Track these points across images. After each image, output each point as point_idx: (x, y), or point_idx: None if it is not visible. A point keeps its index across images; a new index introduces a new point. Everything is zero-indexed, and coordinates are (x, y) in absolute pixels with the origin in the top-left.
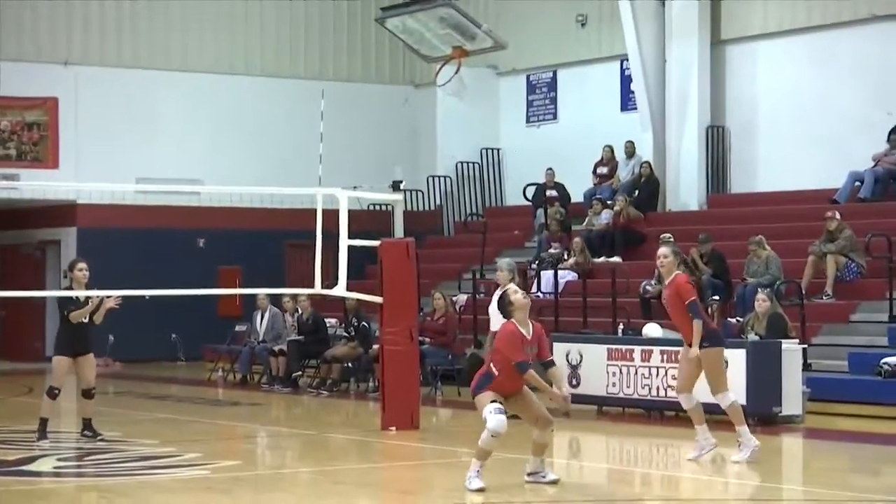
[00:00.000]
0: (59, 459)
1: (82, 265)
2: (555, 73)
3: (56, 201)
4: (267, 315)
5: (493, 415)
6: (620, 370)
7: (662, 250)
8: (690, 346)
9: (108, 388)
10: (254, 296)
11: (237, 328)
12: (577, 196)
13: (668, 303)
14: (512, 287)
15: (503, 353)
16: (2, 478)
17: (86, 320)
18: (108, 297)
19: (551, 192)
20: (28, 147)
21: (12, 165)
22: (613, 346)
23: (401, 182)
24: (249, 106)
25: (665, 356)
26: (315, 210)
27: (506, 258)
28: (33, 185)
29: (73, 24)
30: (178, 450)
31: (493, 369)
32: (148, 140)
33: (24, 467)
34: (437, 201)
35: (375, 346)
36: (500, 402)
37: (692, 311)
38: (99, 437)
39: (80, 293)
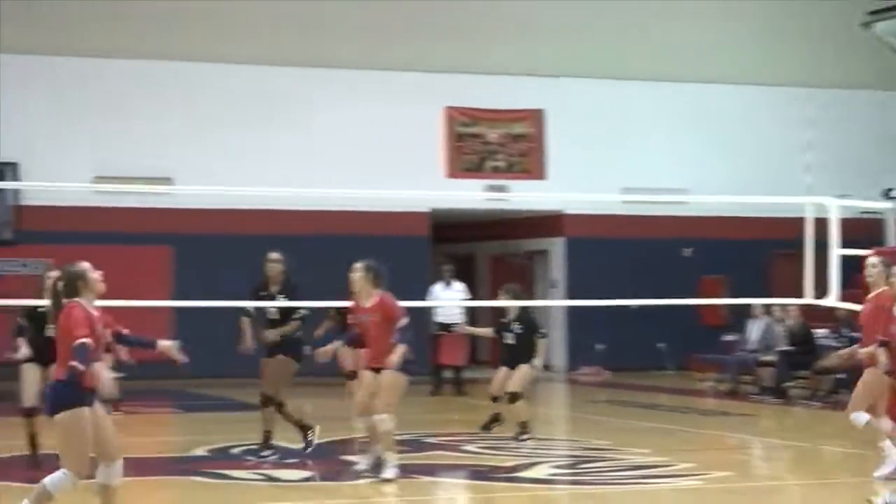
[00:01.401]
0: (553, 466)
1: None
2: None
3: (543, 212)
4: (760, 325)
5: None
6: None
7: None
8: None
9: (598, 397)
10: (737, 305)
11: (726, 337)
12: None
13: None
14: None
15: None
16: (498, 483)
17: None
18: None
19: None
20: (516, 159)
21: (501, 177)
22: None
23: (891, 190)
24: (734, 114)
25: None
26: (800, 218)
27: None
28: (521, 196)
29: (564, 34)
30: (670, 459)
31: None
32: (633, 150)
33: (520, 474)
34: None
35: None
36: None
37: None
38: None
39: None
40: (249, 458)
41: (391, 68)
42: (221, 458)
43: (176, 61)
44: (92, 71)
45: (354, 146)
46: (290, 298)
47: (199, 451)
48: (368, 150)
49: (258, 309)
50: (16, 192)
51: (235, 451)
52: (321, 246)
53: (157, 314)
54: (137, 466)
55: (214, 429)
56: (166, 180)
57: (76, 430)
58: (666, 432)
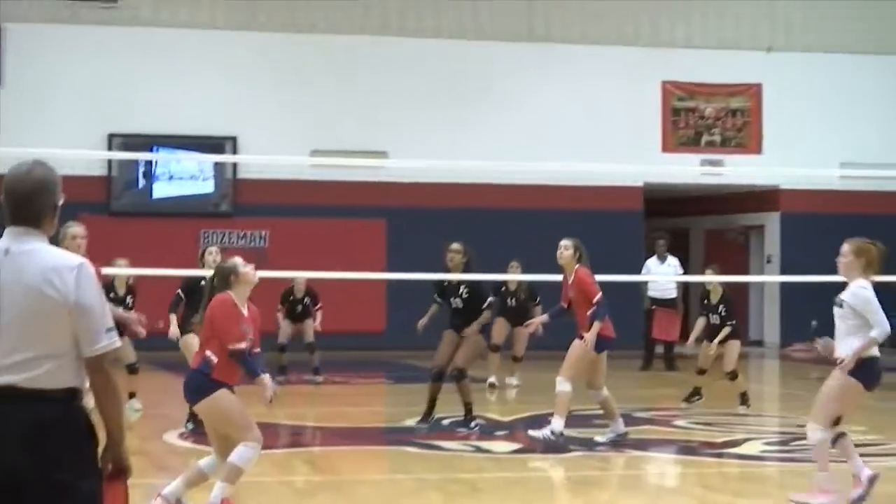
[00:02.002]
0: (765, 443)
1: None
2: None
3: (759, 187)
4: None
5: None
6: None
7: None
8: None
9: (812, 374)
10: None
11: None
12: None
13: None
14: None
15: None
16: (709, 459)
17: None
18: None
19: None
20: (732, 133)
21: (717, 151)
22: None
23: None
24: None
25: None
26: None
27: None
28: (737, 170)
29: (782, 8)
30: (885, 438)
31: None
32: (851, 124)
33: (731, 450)
34: None
35: None
36: None
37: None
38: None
39: None
40: (460, 429)
41: (609, 43)
42: (432, 429)
43: (393, 37)
44: (310, 46)
45: (570, 120)
46: (473, 289)
47: (410, 422)
48: (584, 125)
49: (444, 297)
50: (234, 165)
51: (445, 422)
52: (534, 220)
53: (371, 286)
54: (351, 436)
55: (425, 399)
56: (381, 154)
57: (224, 408)
58: (881, 410)
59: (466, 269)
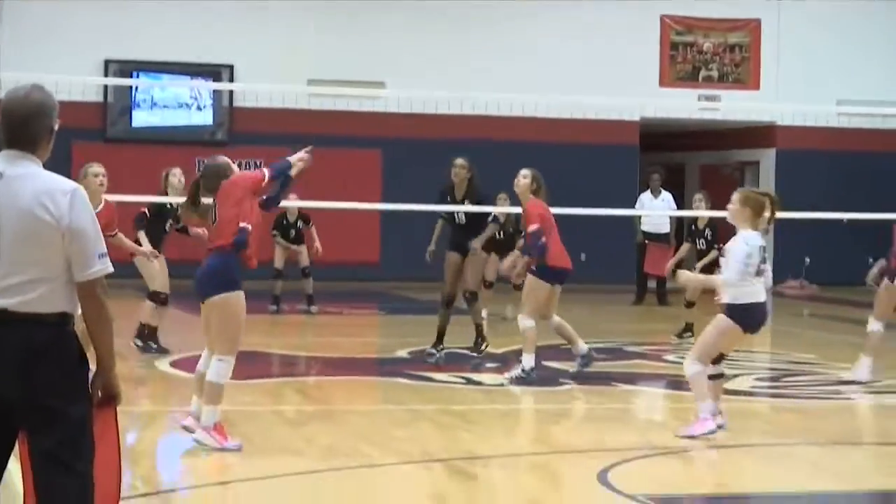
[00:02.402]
0: (755, 379)
1: None
2: None
3: (756, 122)
4: None
5: None
6: None
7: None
8: None
9: (803, 311)
10: None
11: None
12: None
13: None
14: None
15: None
16: None
17: None
18: None
19: None
20: (729, 68)
21: (714, 87)
22: None
23: None
24: None
25: None
26: None
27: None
28: (734, 105)
29: None
30: (875, 376)
31: None
32: (849, 62)
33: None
34: None
35: None
36: None
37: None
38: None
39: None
40: (461, 360)
41: None
42: (440, 361)
43: None
44: None
45: (568, 53)
46: (478, 203)
47: (402, 353)
48: (582, 58)
49: (449, 213)
50: (231, 93)
51: (447, 352)
52: (530, 153)
53: (366, 216)
54: (343, 366)
55: (417, 331)
56: (378, 84)
57: (234, 313)
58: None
59: (470, 185)
